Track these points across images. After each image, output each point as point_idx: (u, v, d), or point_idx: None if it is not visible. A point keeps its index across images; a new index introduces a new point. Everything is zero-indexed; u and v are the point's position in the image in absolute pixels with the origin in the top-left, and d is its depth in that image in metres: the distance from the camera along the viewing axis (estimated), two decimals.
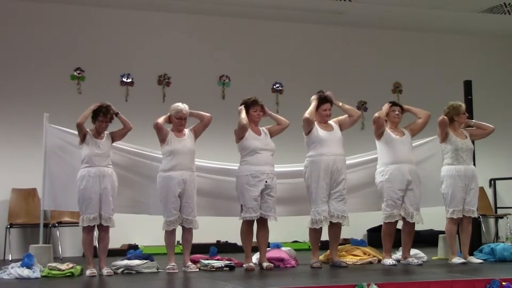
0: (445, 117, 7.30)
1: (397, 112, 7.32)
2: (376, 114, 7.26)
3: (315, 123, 7.09)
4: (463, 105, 7.49)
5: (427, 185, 7.45)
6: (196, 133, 7.01)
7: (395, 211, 7.13)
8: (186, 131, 6.98)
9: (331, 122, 7.21)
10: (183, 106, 6.92)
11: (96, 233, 6.85)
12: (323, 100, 7.14)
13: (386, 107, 7.34)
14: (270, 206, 6.89)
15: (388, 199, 7.13)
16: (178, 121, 6.89)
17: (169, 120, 6.93)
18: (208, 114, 7.05)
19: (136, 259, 6.80)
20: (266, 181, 6.85)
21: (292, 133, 7.45)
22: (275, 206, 6.94)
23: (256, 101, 7.03)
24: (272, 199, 6.91)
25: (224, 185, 7.31)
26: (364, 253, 7.53)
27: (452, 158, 7.32)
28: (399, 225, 7.34)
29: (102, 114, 6.69)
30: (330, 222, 6.97)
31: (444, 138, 7.34)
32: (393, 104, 7.43)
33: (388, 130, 7.26)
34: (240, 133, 6.93)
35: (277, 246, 7.53)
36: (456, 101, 7.50)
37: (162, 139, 6.84)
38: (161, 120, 6.81)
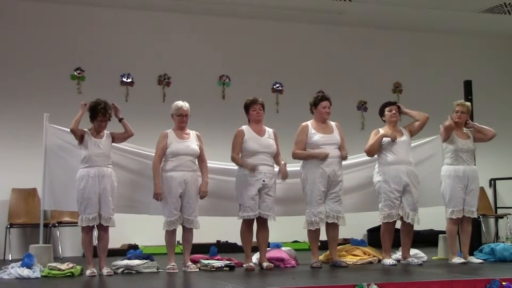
0: (452, 123, 7.29)
1: (393, 112, 7.30)
2: (366, 149, 7.24)
3: (312, 126, 7.07)
4: (465, 104, 7.45)
5: (427, 185, 7.46)
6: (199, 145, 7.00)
7: (393, 211, 7.13)
8: (192, 133, 6.98)
9: (333, 125, 7.19)
10: (183, 103, 6.93)
11: (96, 233, 6.86)
12: (322, 98, 7.13)
13: (375, 137, 7.25)
14: (269, 206, 6.89)
15: (386, 199, 7.13)
16: (179, 118, 6.90)
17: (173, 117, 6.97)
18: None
19: (136, 259, 6.80)
20: (263, 180, 6.85)
21: (292, 133, 7.45)
22: (273, 205, 6.95)
23: (255, 101, 7.01)
24: (271, 198, 6.91)
25: (224, 185, 7.30)
26: (364, 253, 7.54)
27: (452, 158, 7.32)
28: (398, 225, 7.35)
29: (101, 114, 6.68)
30: (326, 222, 6.98)
31: (446, 138, 7.35)
32: (389, 103, 7.40)
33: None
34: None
35: (277, 246, 7.53)
36: (463, 101, 7.53)
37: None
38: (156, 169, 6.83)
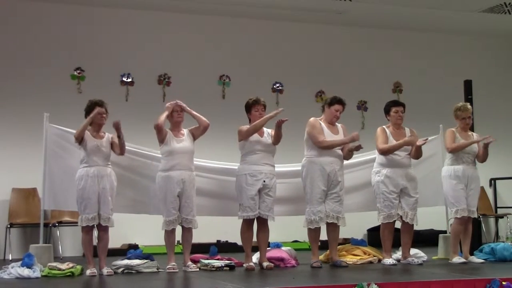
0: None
1: (400, 113, 7.29)
2: (385, 148, 7.14)
3: (322, 122, 7.07)
4: (469, 109, 7.43)
5: (427, 185, 7.47)
6: (194, 136, 6.98)
7: (393, 211, 7.13)
8: (185, 131, 6.98)
9: (339, 126, 7.18)
10: (176, 101, 6.95)
11: (96, 232, 6.86)
12: (339, 101, 7.11)
13: (384, 135, 7.21)
14: (269, 206, 6.89)
15: (385, 199, 7.13)
16: (175, 113, 6.90)
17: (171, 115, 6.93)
18: (206, 121, 6.94)
19: (136, 258, 6.79)
20: (264, 181, 6.85)
21: (292, 132, 7.46)
22: (273, 206, 6.95)
23: (257, 101, 7.02)
24: (271, 198, 6.91)
25: (224, 185, 7.32)
26: (364, 253, 7.53)
27: (452, 158, 7.31)
28: (398, 225, 7.35)
29: (98, 106, 6.64)
30: (326, 222, 6.98)
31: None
32: (397, 103, 7.36)
33: (390, 136, 7.21)
34: (250, 134, 6.88)
35: (277, 245, 7.53)
36: (465, 103, 7.51)
37: (161, 140, 6.84)
38: (161, 120, 6.78)
